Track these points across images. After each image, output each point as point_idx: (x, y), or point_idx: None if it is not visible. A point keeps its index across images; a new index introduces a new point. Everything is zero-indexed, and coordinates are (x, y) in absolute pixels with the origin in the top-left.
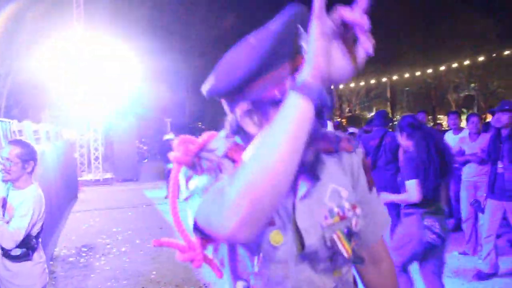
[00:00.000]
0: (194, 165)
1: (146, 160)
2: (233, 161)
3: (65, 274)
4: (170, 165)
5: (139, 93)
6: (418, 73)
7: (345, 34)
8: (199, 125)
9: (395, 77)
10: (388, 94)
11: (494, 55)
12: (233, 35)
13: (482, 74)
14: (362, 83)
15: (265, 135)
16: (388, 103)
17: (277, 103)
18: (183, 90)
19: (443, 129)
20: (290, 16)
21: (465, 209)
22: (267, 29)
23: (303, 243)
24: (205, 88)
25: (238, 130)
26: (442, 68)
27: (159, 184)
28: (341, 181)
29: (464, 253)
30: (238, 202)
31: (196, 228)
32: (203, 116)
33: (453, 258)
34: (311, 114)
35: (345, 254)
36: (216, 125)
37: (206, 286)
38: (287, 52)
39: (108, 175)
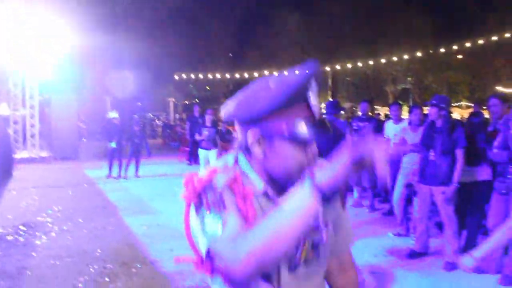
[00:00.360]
0: (201, 201)
1: (84, 139)
2: (232, 191)
3: (3, 253)
4: (113, 144)
5: (79, 70)
6: (359, 64)
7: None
8: (139, 104)
9: (337, 67)
10: (330, 83)
11: (431, 51)
12: (177, 17)
13: (418, 69)
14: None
15: (275, 216)
16: (329, 92)
17: (283, 137)
18: (124, 68)
19: (381, 119)
20: (311, 72)
21: (397, 193)
22: (289, 77)
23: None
24: (225, 111)
25: (247, 150)
26: (383, 60)
27: (100, 163)
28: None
29: (398, 234)
30: (246, 259)
31: (209, 255)
32: (143, 96)
33: (387, 238)
34: (315, 210)
35: (300, 259)
36: (155, 106)
37: (152, 263)
38: (299, 98)
39: (45, 153)
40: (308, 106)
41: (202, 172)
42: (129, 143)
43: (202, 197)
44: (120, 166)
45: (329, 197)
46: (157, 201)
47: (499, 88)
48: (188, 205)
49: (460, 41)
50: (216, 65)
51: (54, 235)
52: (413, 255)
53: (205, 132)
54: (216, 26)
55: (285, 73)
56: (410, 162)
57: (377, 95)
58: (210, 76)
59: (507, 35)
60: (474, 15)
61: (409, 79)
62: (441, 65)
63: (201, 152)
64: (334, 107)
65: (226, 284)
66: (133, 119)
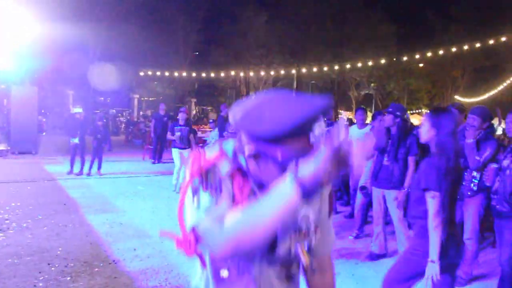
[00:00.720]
0: (202, 179)
1: (44, 133)
2: (233, 180)
3: None
4: (75, 140)
5: (40, 62)
6: (325, 68)
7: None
8: (102, 100)
9: (303, 70)
10: (295, 86)
11: (394, 59)
12: (142, 11)
13: (381, 75)
14: (272, 73)
15: (258, 206)
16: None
17: (275, 161)
18: (87, 62)
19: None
20: (321, 109)
21: (359, 197)
22: (298, 109)
23: (275, 248)
24: (231, 116)
25: (243, 152)
26: (348, 66)
27: (60, 158)
28: (314, 205)
29: (357, 237)
30: (226, 243)
31: (193, 231)
32: (107, 91)
33: (348, 241)
34: (297, 203)
35: (304, 263)
36: (119, 102)
37: (115, 262)
38: (303, 132)
39: (3, 146)
40: (308, 138)
41: (210, 153)
42: (91, 139)
43: (204, 176)
44: (82, 162)
45: (310, 191)
46: (120, 200)
47: (457, 97)
48: (190, 180)
49: (422, 50)
50: (182, 63)
51: (12, 232)
52: (372, 257)
53: (178, 133)
54: (182, 23)
55: (294, 98)
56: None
57: (341, 100)
58: (175, 73)
59: (465, 47)
60: (436, 25)
61: (372, 85)
62: (403, 72)
63: (175, 152)
64: None
65: (204, 266)
66: (96, 114)
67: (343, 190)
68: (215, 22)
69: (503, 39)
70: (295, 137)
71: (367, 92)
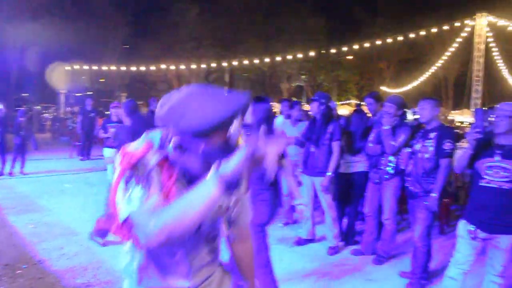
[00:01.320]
0: (133, 172)
1: None
2: (161, 168)
3: None
4: None
5: None
6: (256, 61)
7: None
8: (26, 96)
9: (234, 63)
10: (227, 79)
11: (323, 51)
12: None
13: (311, 67)
14: (204, 66)
15: (186, 199)
16: (226, 88)
17: (196, 154)
18: (9, 54)
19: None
20: (240, 107)
21: (285, 185)
22: (220, 106)
23: (201, 225)
24: (158, 112)
25: (169, 143)
26: (278, 58)
27: None
28: None
29: (287, 223)
30: (157, 232)
31: (127, 222)
32: (31, 87)
33: (277, 228)
34: (220, 196)
35: (224, 232)
36: (44, 97)
37: (40, 263)
38: (222, 128)
39: None
40: (227, 133)
41: (138, 145)
42: (14, 137)
43: (134, 169)
44: (3, 161)
45: (231, 186)
46: (44, 199)
47: (384, 88)
48: (121, 174)
49: (349, 43)
50: (111, 57)
51: None
52: (301, 242)
53: (112, 130)
54: (110, 15)
55: (215, 93)
56: (290, 154)
57: (273, 92)
58: (104, 67)
59: (389, 40)
60: (363, 19)
61: (303, 77)
62: (333, 64)
63: (106, 151)
64: None
65: (138, 247)
66: (19, 110)
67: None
68: (146, 15)
69: (422, 33)
70: (216, 132)
71: (298, 84)
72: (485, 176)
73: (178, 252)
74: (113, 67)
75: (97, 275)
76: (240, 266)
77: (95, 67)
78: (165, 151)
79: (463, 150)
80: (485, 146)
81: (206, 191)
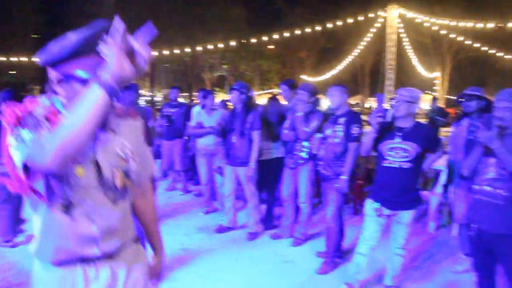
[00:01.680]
0: (20, 124)
1: None
2: (49, 121)
3: None
4: None
5: None
6: (176, 51)
7: (131, 52)
8: None
9: (155, 53)
10: (149, 70)
11: (244, 41)
12: None
13: (233, 57)
14: None
15: (75, 111)
16: (147, 79)
17: (81, 80)
18: None
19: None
20: (100, 27)
21: (204, 175)
22: (83, 32)
23: (101, 175)
24: (39, 57)
25: (55, 91)
26: (199, 48)
27: None
28: (128, 136)
29: (207, 212)
30: (55, 148)
31: (25, 167)
32: None
33: (199, 217)
34: (107, 102)
35: (118, 185)
36: None
37: None
38: (92, 49)
39: None
40: (99, 55)
41: (25, 103)
42: None
43: (20, 121)
44: None
45: (115, 89)
46: None
47: (304, 77)
48: (10, 130)
49: (269, 32)
50: (21, 47)
51: None
52: (222, 230)
53: None
54: (19, 1)
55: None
56: (205, 144)
57: (195, 82)
58: (14, 58)
59: (308, 29)
60: (283, 8)
61: (224, 66)
62: (254, 54)
63: None
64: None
65: (39, 201)
66: None
67: (194, 170)
68: (60, 3)
69: (339, 23)
70: (85, 54)
71: (220, 73)
72: (387, 157)
73: (78, 210)
74: (23, 58)
75: (7, 278)
76: (142, 221)
77: (2, 58)
78: (53, 104)
79: (367, 133)
80: (387, 129)
81: (92, 96)
